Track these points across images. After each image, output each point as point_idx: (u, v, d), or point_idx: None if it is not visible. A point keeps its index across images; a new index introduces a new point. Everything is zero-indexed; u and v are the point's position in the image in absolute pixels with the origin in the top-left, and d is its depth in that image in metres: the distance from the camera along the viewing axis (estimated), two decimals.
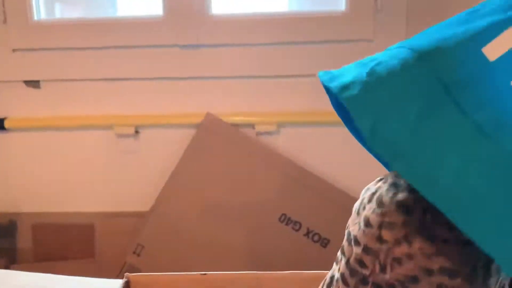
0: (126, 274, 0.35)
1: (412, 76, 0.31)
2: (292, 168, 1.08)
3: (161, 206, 1.08)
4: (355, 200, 0.36)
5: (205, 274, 0.35)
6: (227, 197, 1.08)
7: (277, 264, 1.07)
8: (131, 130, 1.10)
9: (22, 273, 0.34)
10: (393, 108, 0.30)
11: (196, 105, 1.09)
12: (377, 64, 0.33)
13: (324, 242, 1.06)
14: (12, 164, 1.14)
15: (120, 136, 1.11)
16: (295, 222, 1.06)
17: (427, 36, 0.33)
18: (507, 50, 0.28)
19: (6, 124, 1.10)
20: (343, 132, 1.09)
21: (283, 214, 1.07)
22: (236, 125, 1.08)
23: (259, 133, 1.09)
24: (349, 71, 0.36)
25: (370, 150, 0.39)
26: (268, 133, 1.09)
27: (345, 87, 0.33)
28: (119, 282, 0.35)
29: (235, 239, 1.07)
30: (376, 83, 0.32)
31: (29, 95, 1.10)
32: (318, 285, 0.36)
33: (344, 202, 1.03)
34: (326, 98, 1.24)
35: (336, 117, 1.16)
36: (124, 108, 1.10)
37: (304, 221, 1.06)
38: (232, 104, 1.09)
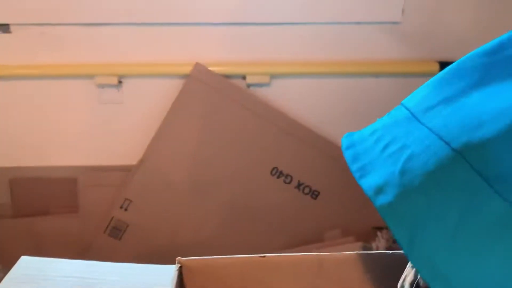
0: (178, 258, 0.33)
1: (450, 175, 0.29)
2: (283, 120, 1.06)
3: (149, 160, 1.05)
4: None
5: (264, 256, 0.33)
6: (218, 150, 1.06)
7: (268, 217, 1.07)
8: (114, 80, 1.03)
9: (66, 261, 0.31)
10: (432, 215, 0.29)
11: (184, 54, 1.03)
12: (408, 159, 0.31)
13: (314, 194, 1.07)
14: None
15: (102, 86, 1.04)
16: (287, 175, 1.06)
17: (453, 116, 0.31)
18: None
19: None
20: (337, 83, 1.06)
21: (274, 168, 1.06)
22: (226, 76, 1.04)
23: (250, 85, 1.05)
24: (374, 156, 0.32)
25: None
26: (260, 84, 1.05)
27: (379, 190, 0.31)
28: (173, 267, 0.32)
29: (227, 192, 1.06)
30: (411, 186, 0.30)
31: None
32: (382, 266, 0.35)
33: (335, 154, 1.03)
34: (320, 48, 1.18)
35: (330, 68, 1.11)
36: (105, 56, 1.03)
37: (295, 174, 1.06)
38: (222, 54, 1.04)
